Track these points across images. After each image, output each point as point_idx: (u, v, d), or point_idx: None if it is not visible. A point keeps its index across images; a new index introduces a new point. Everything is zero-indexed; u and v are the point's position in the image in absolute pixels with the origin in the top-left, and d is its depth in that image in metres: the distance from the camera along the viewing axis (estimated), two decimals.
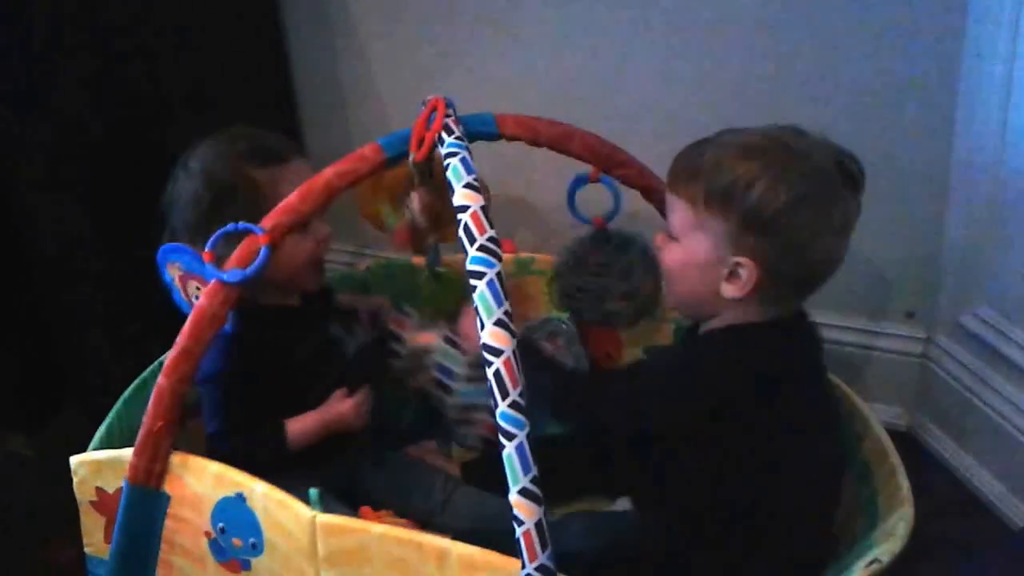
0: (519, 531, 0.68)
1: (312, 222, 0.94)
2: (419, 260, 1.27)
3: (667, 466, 0.93)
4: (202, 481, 0.87)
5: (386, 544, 0.78)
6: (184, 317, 0.86)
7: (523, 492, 0.68)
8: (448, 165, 0.79)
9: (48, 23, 1.15)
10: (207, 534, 0.88)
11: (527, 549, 0.68)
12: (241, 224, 0.86)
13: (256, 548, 0.85)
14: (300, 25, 1.54)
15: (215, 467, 0.86)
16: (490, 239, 0.73)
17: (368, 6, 1.48)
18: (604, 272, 1.09)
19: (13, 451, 1.36)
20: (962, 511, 1.21)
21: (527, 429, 0.68)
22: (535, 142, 0.97)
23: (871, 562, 0.77)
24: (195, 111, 1.30)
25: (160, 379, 0.85)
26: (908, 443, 1.32)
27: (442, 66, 1.44)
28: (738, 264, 0.83)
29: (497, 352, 0.69)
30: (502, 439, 0.68)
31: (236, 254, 0.85)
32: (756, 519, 0.85)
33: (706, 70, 1.28)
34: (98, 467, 0.91)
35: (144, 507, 0.89)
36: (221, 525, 0.87)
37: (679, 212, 0.87)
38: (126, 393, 1.00)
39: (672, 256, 0.89)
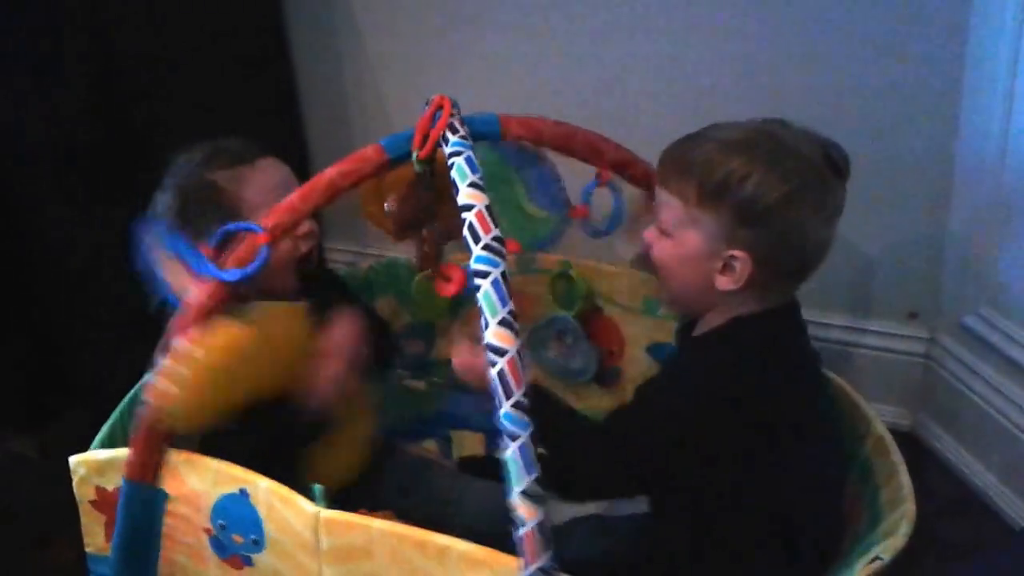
0: (520, 532, 0.68)
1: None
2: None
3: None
4: (202, 478, 0.87)
5: (389, 540, 0.78)
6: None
7: (525, 493, 0.67)
8: (452, 164, 0.79)
9: (49, 24, 1.15)
10: (207, 531, 0.88)
11: (528, 550, 0.68)
12: (242, 224, 0.86)
13: (258, 544, 0.85)
14: (303, 26, 1.54)
15: (216, 464, 0.86)
16: (495, 238, 0.73)
17: (371, 8, 1.48)
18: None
19: (15, 451, 1.36)
20: (964, 511, 1.21)
21: (530, 430, 0.68)
22: (539, 142, 0.97)
23: (873, 559, 0.77)
24: (197, 112, 1.30)
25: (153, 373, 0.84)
26: (910, 443, 1.32)
27: (444, 67, 1.45)
28: (732, 257, 0.83)
29: (501, 352, 0.69)
30: (504, 440, 0.68)
31: (234, 253, 0.85)
32: (766, 517, 0.85)
33: (708, 70, 1.28)
34: (98, 466, 0.91)
35: (143, 504, 0.89)
36: (221, 522, 0.87)
37: (670, 208, 0.87)
38: (129, 394, 1.00)
39: (664, 251, 0.89)
